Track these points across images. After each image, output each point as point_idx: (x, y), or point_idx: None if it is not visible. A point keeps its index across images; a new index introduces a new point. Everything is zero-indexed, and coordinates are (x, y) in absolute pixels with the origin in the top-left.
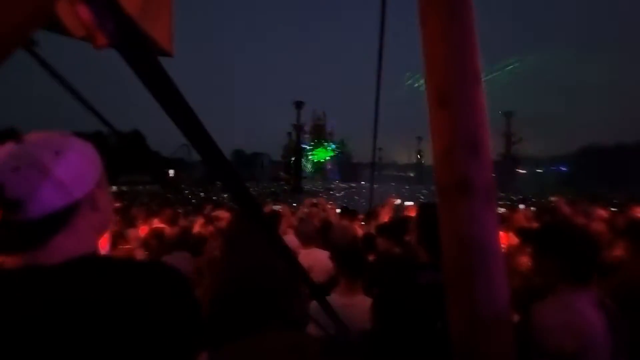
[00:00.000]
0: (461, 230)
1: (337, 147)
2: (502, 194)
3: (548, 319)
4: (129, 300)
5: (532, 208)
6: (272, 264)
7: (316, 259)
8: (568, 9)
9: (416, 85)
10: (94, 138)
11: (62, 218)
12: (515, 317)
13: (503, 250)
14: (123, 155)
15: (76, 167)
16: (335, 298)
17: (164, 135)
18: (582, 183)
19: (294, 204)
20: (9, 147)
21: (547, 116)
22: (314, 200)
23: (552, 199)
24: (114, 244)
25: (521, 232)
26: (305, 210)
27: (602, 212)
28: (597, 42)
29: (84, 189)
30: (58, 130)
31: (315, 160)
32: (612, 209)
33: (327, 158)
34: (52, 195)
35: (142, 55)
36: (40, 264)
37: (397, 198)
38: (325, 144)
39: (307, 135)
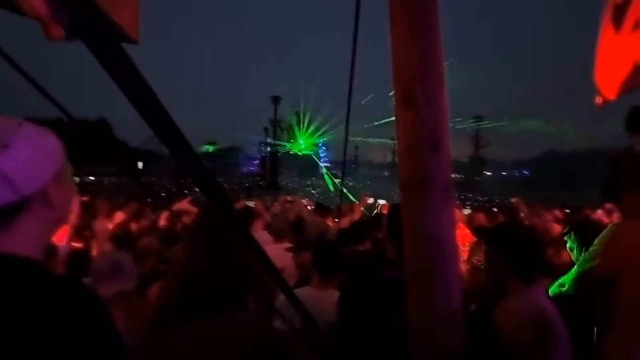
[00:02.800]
0: (420, 224)
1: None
2: (469, 195)
3: (510, 315)
4: (23, 311)
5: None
6: (234, 259)
7: (285, 254)
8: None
9: None
10: (53, 125)
11: (3, 215)
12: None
13: (466, 247)
14: (86, 144)
15: (26, 161)
16: (307, 292)
17: (133, 125)
18: (541, 186)
19: (269, 201)
20: None
21: (513, 123)
22: (289, 198)
23: (513, 200)
24: (75, 237)
25: (477, 232)
26: (279, 207)
27: (557, 213)
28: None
29: (35, 184)
30: (9, 116)
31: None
32: (567, 211)
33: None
34: None
35: (105, 43)
36: None
37: (371, 196)
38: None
39: (284, 133)
